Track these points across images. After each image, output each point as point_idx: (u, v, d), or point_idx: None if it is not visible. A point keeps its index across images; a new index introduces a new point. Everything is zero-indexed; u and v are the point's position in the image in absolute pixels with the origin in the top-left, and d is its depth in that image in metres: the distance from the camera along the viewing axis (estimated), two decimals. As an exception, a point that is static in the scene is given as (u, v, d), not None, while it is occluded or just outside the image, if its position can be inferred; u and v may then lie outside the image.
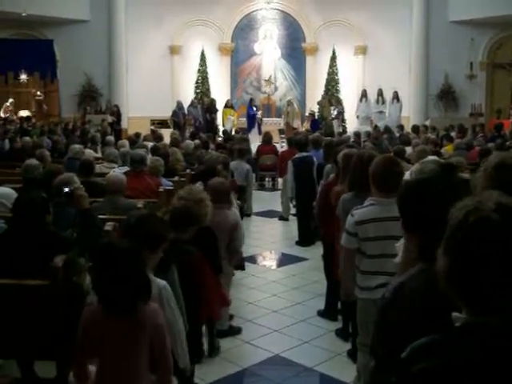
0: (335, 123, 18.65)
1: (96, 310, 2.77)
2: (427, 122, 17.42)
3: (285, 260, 7.93)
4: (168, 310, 3.09)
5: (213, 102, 19.31)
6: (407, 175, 4.40)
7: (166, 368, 2.86)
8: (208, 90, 20.36)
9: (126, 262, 2.69)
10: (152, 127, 17.34)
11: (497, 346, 1.32)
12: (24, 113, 17.68)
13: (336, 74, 20.36)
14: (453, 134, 13.26)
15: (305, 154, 8.85)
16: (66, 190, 4.35)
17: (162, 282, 3.12)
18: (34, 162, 6.58)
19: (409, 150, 8.97)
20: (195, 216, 3.88)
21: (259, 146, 13.36)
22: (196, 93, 20.17)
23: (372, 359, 2.02)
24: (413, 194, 2.11)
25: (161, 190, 6.41)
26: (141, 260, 2.76)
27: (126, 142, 10.54)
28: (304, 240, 8.47)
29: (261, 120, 19.08)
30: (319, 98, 19.97)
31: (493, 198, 1.40)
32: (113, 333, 2.72)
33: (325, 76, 20.38)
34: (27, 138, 11.45)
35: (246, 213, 9.73)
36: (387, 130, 14.50)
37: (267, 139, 13.18)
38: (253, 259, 7.72)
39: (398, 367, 1.45)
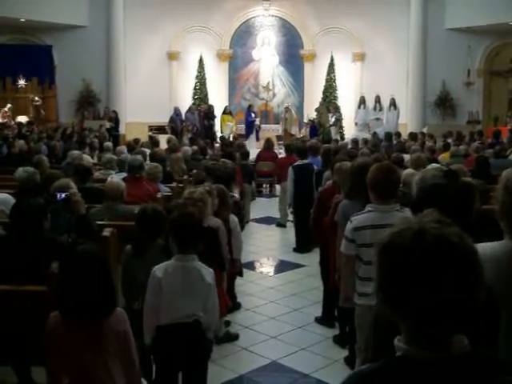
0: (333, 130, 18.67)
1: (61, 318, 2.66)
2: (425, 129, 17.42)
3: (282, 266, 7.93)
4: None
5: (211, 108, 19.31)
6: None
7: (134, 376, 2.77)
8: (206, 96, 20.37)
9: (88, 268, 2.61)
10: (150, 133, 17.34)
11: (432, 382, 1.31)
12: (22, 118, 17.64)
13: (334, 81, 20.41)
14: (449, 140, 13.26)
15: (305, 161, 8.84)
16: (62, 195, 4.34)
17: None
18: (30, 169, 6.53)
19: (407, 157, 8.95)
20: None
21: (259, 152, 13.21)
22: (194, 99, 20.17)
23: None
24: (428, 196, 2.11)
25: (159, 195, 6.41)
26: (105, 267, 2.68)
27: (124, 148, 10.53)
28: (301, 247, 8.46)
29: (259, 126, 19.10)
30: (317, 105, 19.99)
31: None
32: (78, 342, 2.62)
33: (323, 83, 20.42)
34: (21, 142, 11.41)
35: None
36: (388, 137, 14.28)
37: (268, 146, 12.95)
38: (250, 266, 7.71)
39: None
